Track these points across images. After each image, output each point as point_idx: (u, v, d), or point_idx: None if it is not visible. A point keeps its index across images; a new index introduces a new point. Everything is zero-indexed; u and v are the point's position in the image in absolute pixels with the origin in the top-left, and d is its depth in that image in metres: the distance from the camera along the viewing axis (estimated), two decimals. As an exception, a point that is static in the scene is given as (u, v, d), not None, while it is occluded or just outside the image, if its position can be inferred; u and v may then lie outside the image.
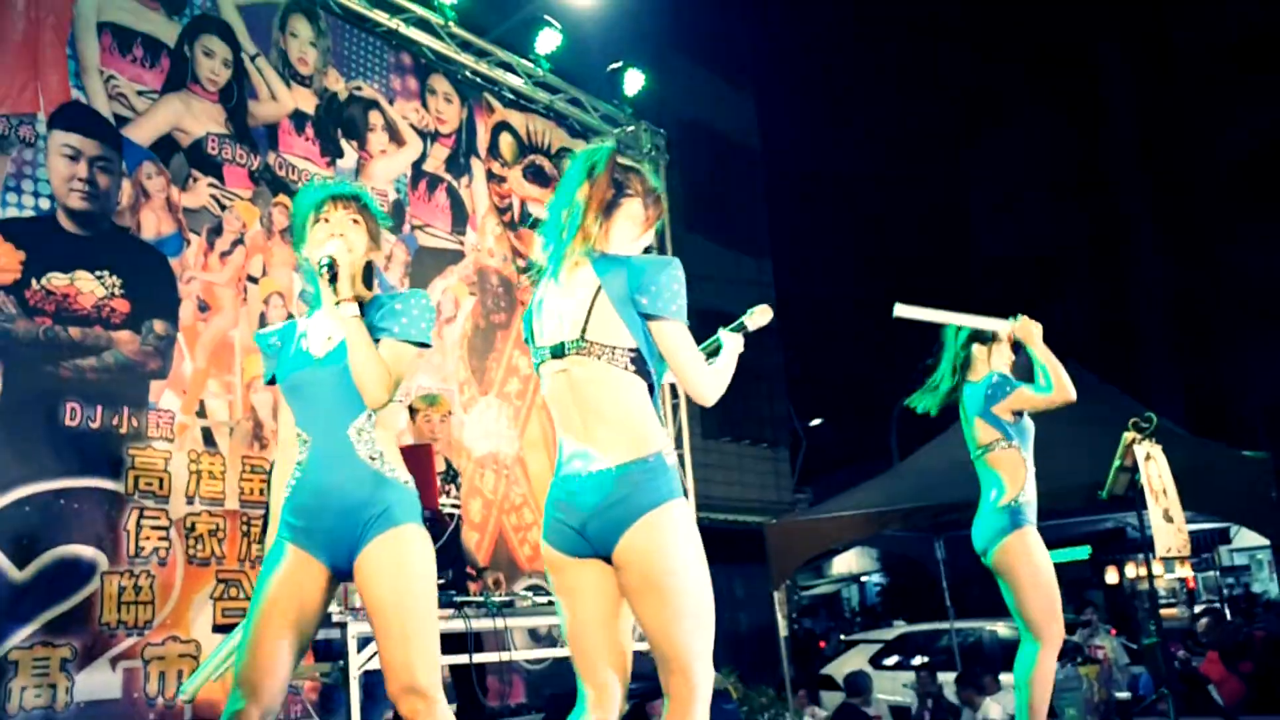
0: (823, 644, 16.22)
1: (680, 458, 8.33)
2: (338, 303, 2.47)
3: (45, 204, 4.82)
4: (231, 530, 5.19)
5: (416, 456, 4.09)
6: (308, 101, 6.19)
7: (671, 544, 2.20)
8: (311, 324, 2.60)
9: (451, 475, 4.80)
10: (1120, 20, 23.07)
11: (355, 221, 2.58)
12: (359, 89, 6.54)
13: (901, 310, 3.84)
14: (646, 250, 2.59)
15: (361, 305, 2.51)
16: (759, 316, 2.80)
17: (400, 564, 2.38)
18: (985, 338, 4.11)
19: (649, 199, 2.49)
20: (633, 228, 2.46)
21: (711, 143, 14.71)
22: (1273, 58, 19.48)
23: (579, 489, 2.28)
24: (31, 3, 4.94)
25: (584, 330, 2.33)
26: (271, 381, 2.64)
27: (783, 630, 8.80)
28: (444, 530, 4.38)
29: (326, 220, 2.56)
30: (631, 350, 2.32)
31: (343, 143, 6.34)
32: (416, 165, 6.81)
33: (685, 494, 7.40)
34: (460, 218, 7.04)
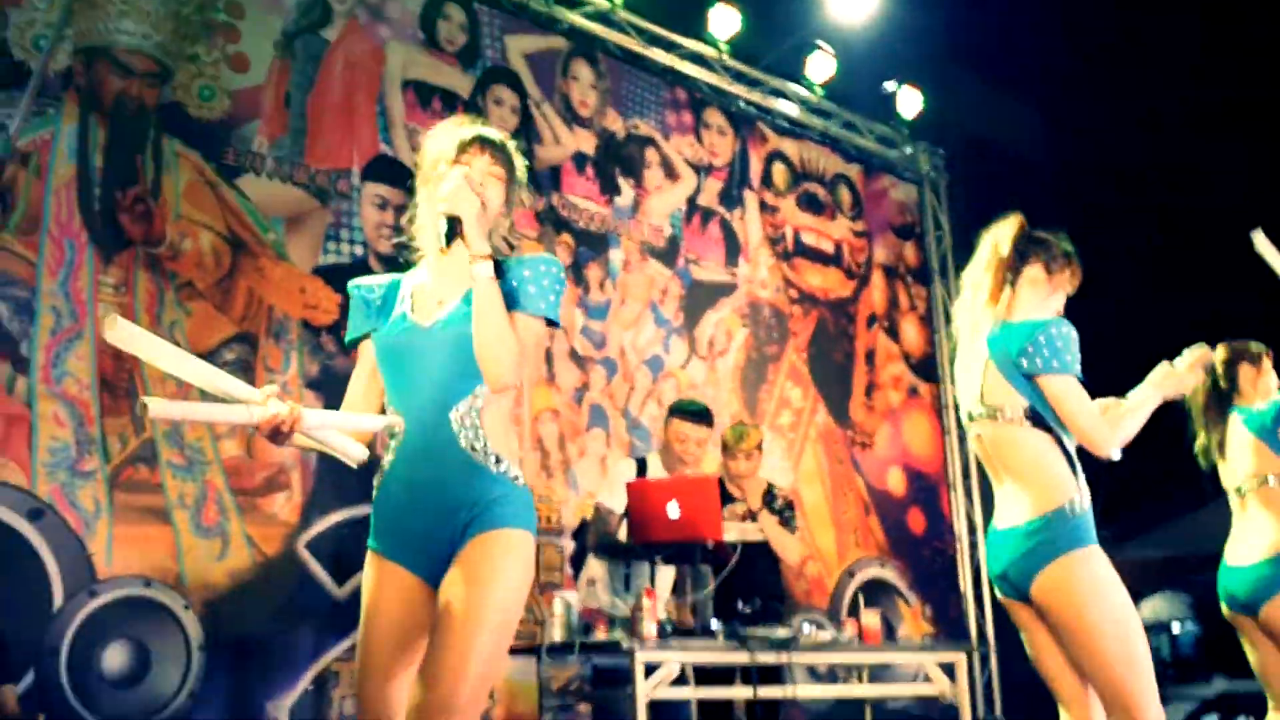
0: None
1: (968, 488, 8.00)
2: (472, 261, 2.08)
3: (359, 250, 5.26)
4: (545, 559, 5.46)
5: (698, 488, 4.14)
6: (588, 142, 6.45)
7: (1077, 592, 2.48)
8: (416, 284, 2.24)
9: (770, 499, 4.67)
10: None
11: (496, 176, 2.22)
12: (636, 127, 6.74)
13: (1261, 243, 3.57)
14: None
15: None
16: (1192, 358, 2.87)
17: (489, 571, 1.96)
18: (1252, 358, 3.70)
19: (1055, 264, 2.72)
20: (1036, 293, 2.70)
21: (998, 159, 14.12)
22: None
23: (994, 543, 2.66)
24: (347, 67, 5.43)
25: (981, 396, 2.65)
26: (354, 343, 2.26)
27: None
28: (726, 561, 4.36)
29: (468, 165, 2.19)
30: (1026, 408, 2.58)
31: (620, 180, 6.55)
32: (690, 199, 6.93)
33: (973, 527, 6.93)
34: (733, 250, 7.10)
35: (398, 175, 5.46)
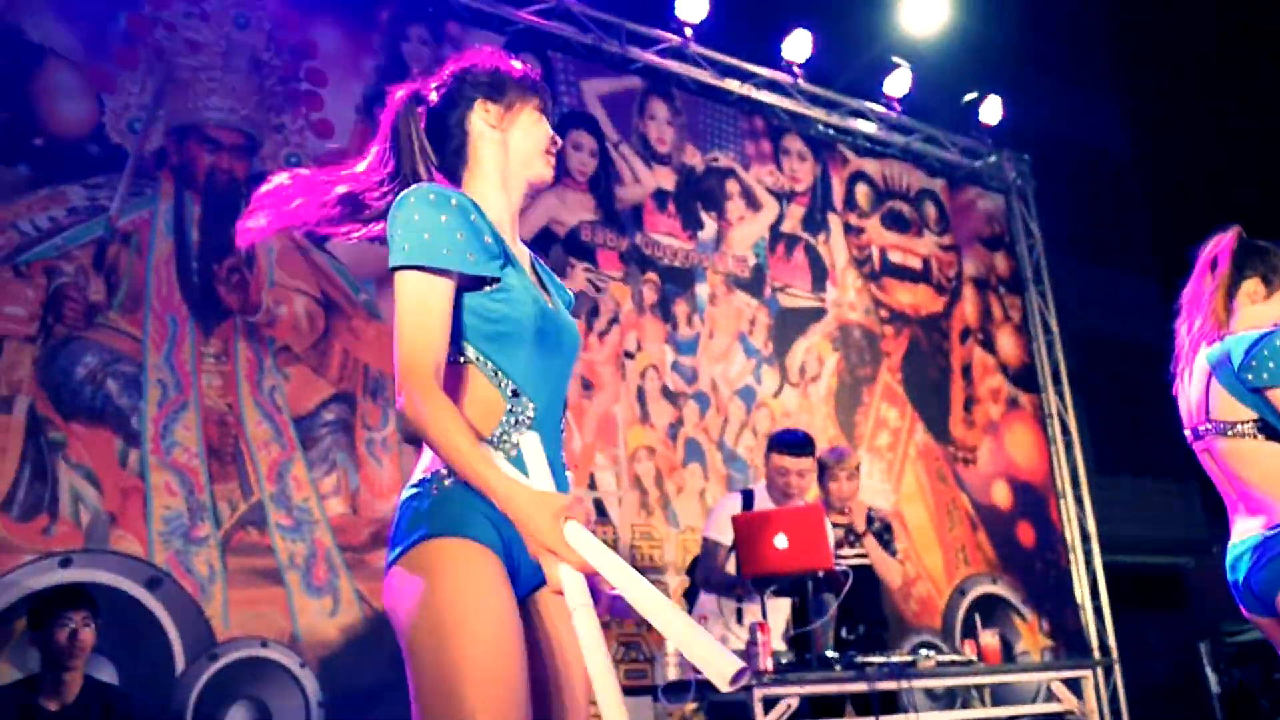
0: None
1: (1079, 497, 7.80)
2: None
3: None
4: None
5: (804, 517, 4.09)
6: (668, 179, 6.47)
7: None
8: (515, 250, 1.85)
9: (870, 522, 4.68)
10: None
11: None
12: (715, 159, 6.74)
13: None
14: None
15: None
16: None
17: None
18: None
19: (1274, 274, 2.73)
20: (1256, 304, 2.72)
21: (1083, 160, 13.87)
22: None
23: (1235, 557, 2.68)
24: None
25: (1208, 412, 2.68)
26: (487, 279, 1.74)
27: (1214, 685, 7.95)
28: (839, 590, 4.30)
29: (545, 118, 1.95)
30: (1255, 420, 2.61)
31: (702, 214, 6.56)
32: (774, 227, 6.90)
33: (1086, 536, 6.78)
34: (820, 275, 7.04)
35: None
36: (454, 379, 1.74)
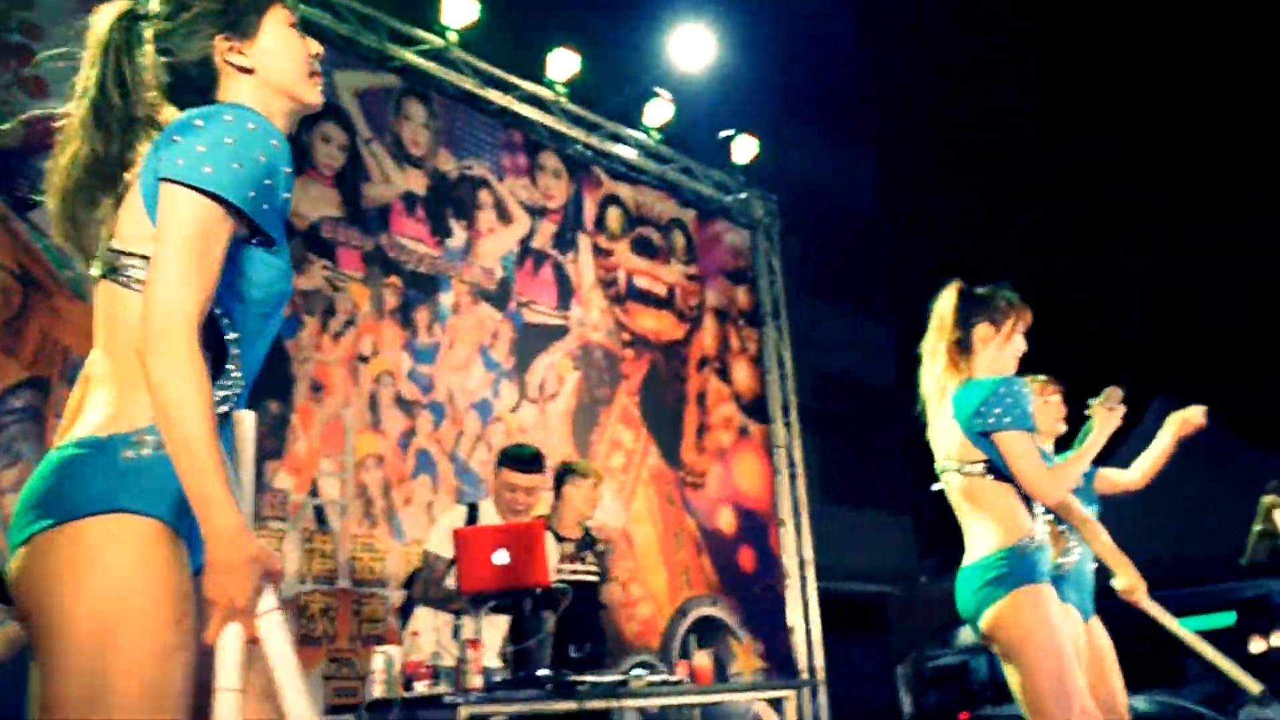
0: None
1: (798, 526, 8.16)
2: None
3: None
4: (343, 609, 5.24)
5: (525, 533, 4.07)
6: (419, 182, 6.33)
7: (1013, 629, 2.78)
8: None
9: (588, 542, 4.70)
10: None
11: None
12: (469, 168, 6.66)
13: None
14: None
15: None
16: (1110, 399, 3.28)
17: None
18: None
19: (999, 316, 2.98)
20: (987, 348, 2.98)
21: (830, 206, 14.62)
22: None
23: (960, 578, 2.95)
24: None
25: (948, 453, 2.97)
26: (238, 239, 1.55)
27: (906, 707, 8.47)
28: (557, 607, 4.30)
29: (295, 26, 1.74)
30: (985, 461, 2.89)
31: (452, 222, 6.45)
32: (524, 242, 6.88)
33: (803, 563, 7.10)
34: (566, 293, 7.07)
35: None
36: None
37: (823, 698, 7.66)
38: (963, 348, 2.99)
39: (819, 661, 7.90)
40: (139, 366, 1.44)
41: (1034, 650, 2.76)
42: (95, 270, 1.63)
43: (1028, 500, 2.93)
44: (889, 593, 12.94)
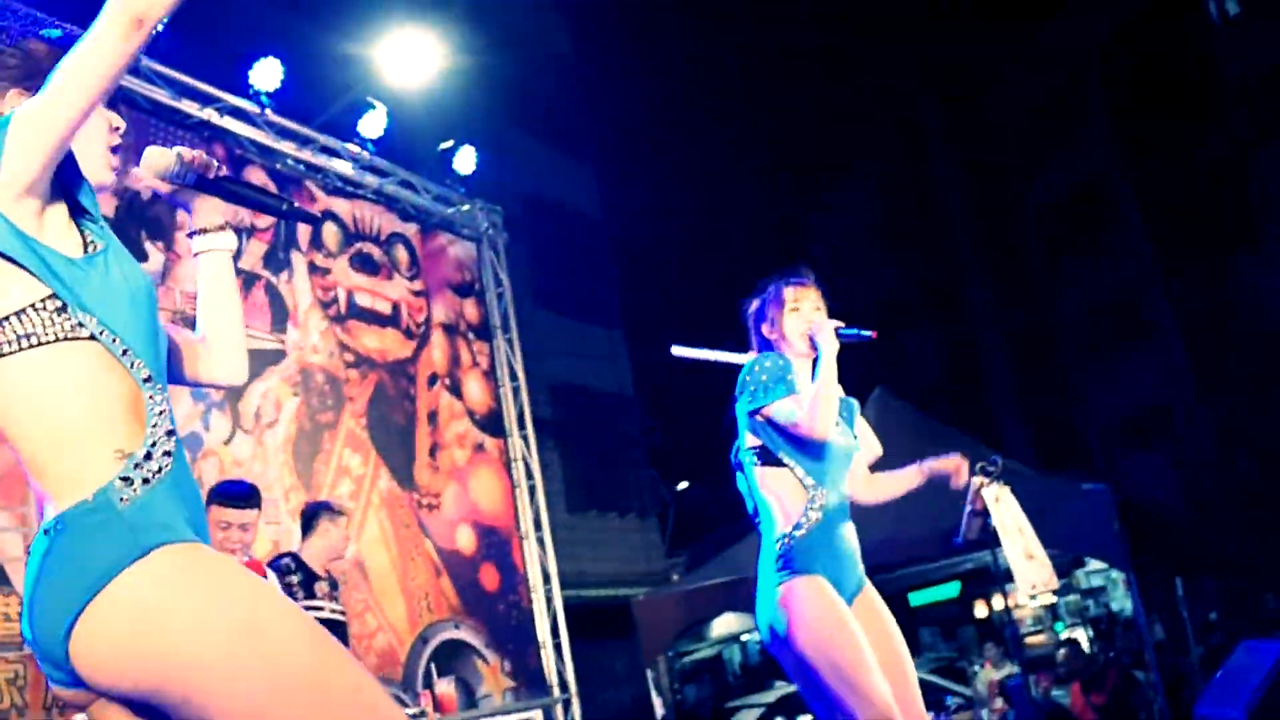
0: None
1: (540, 539, 8.11)
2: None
3: None
4: (35, 676, 4.72)
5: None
6: (107, 203, 5.82)
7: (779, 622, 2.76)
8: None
9: (333, 583, 4.51)
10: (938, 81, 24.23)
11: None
12: (166, 186, 6.19)
13: (678, 350, 3.83)
14: None
15: None
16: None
17: None
18: None
19: (762, 313, 2.97)
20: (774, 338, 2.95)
21: (554, 216, 14.71)
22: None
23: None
24: None
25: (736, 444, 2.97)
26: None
27: (659, 708, 8.59)
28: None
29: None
30: (756, 448, 2.84)
31: (147, 244, 5.97)
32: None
33: (548, 575, 7.05)
34: (280, 315, 6.69)
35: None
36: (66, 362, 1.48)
37: (576, 710, 7.64)
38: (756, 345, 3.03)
39: (570, 674, 7.87)
40: (45, 432, 1.47)
41: None
42: None
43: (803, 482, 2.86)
44: (634, 595, 13.12)
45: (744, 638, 23.66)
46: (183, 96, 6.41)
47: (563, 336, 13.74)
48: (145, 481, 1.47)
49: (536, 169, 14.52)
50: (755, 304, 3.04)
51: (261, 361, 6.46)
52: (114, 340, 1.50)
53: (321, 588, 4.43)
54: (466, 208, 8.48)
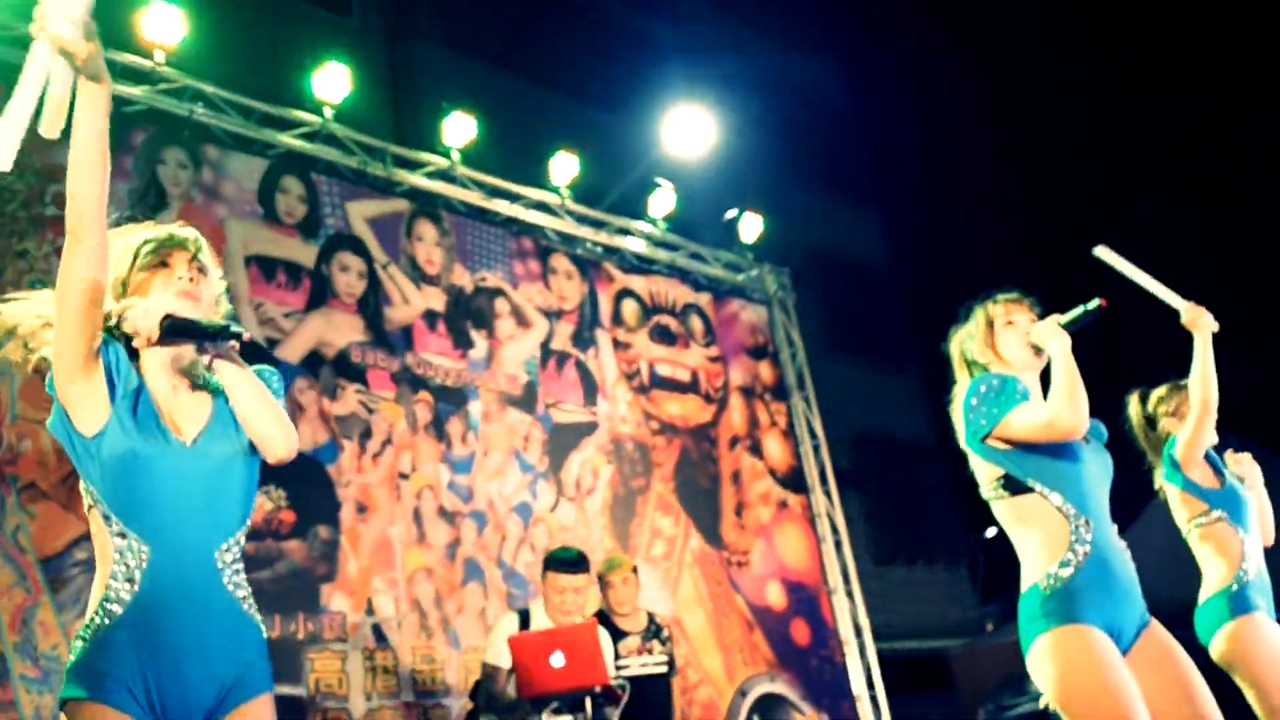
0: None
1: (849, 592, 8.13)
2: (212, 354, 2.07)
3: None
4: (408, 723, 5.30)
5: (579, 634, 4.14)
6: (437, 299, 6.53)
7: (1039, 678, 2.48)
8: (155, 388, 2.05)
9: (654, 630, 4.75)
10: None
11: (203, 272, 2.16)
12: (484, 279, 6.86)
13: (1102, 251, 3.58)
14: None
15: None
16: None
17: None
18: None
19: (971, 338, 2.82)
20: (987, 362, 2.79)
21: (840, 266, 14.77)
22: None
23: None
24: (185, 250, 5.41)
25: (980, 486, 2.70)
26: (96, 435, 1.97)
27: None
28: (618, 703, 4.35)
29: (168, 266, 2.12)
30: (1000, 478, 2.61)
31: (472, 333, 6.63)
32: (544, 345, 7.05)
33: (859, 629, 7.04)
34: (590, 389, 7.21)
35: (248, 352, 5.41)
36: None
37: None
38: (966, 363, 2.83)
39: (887, 725, 7.83)
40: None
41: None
42: None
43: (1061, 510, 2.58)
44: (951, 647, 12.76)
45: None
46: (493, 197, 7.08)
47: (858, 386, 13.70)
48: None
49: (819, 222, 14.67)
50: (961, 331, 2.87)
51: (578, 433, 6.97)
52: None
53: (629, 643, 4.63)
54: (755, 273, 8.78)
